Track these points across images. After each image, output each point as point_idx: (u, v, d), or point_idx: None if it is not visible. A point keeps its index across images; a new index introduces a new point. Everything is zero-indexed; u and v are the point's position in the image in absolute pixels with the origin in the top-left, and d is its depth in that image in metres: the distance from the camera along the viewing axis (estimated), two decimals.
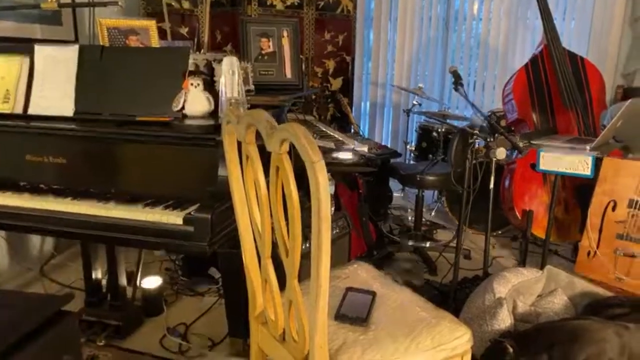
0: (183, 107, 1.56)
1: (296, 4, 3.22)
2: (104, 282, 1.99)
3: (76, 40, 2.63)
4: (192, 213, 1.29)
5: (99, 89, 1.62)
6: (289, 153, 0.94)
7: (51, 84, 1.67)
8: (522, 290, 1.87)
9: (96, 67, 1.63)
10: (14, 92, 1.68)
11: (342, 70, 3.56)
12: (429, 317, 1.20)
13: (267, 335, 1.21)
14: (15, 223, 1.48)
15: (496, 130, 1.76)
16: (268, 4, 3.12)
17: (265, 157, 0.99)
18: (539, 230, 2.40)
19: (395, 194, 3.54)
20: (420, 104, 3.61)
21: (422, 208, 2.64)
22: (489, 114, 3.16)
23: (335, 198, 2.34)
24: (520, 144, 1.86)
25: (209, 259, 2.36)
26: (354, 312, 1.16)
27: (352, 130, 3.51)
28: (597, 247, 2.10)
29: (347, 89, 3.62)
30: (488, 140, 1.72)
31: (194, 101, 1.56)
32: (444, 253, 2.58)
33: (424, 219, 2.87)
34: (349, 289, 1.28)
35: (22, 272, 2.35)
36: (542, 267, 2.00)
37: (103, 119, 1.58)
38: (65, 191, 1.49)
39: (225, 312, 1.69)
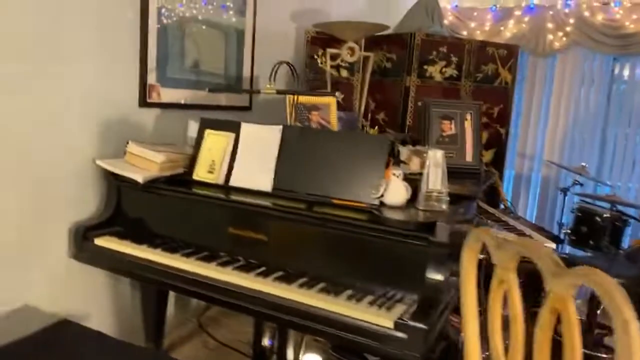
0: (382, 195, 1.54)
1: (455, 75, 3.18)
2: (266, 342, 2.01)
3: (250, 107, 2.83)
4: (404, 319, 1.22)
5: (297, 168, 1.67)
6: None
7: (253, 160, 1.76)
8: None
9: (296, 146, 1.70)
10: (219, 164, 1.81)
11: (495, 142, 3.40)
12: None
13: None
14: (213, 295, 1.53)
15: None
16: (427, 75, 3.13)
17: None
18: None
19: None
20: (582, 184, 3.29)
21: (596, 316, 2.32)
22: None
23: None
24: None
25: None
26: None
27: (502, 206, 3.29)
28: None
29: (499, 161, 3.44)
30: None
31: (394, 191, 1.54)
32: None
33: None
34: None
35: (183, 321, 2.47)
36: None
37: (300, 198, 1.62)
38: (263, 269, 1.52)
39: None
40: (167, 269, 1.60)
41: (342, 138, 1.67)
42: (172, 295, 2.41)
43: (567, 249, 3.34)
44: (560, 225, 3.37)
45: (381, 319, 1.25)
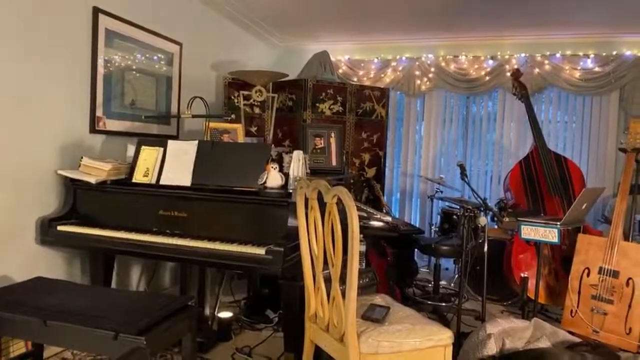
0: (265, 182, 2.33)
1: (340, 111, 4.12)
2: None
3: (177, 135, 3.56)
4: (271, 247, 1.99)
5: (209, 168, 2.43)
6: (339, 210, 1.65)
7: (176, 165, 2.50)
8: (512, 334, 2.37)
9: (208, 154, 2.46)
10: (152, 170, 2.52)
11: (376, 162, 4.35)
12: (423, 322, 1.79)
13: (316, 329, 1.82)
14: (151, 253, 2.22)
15: (485, 206, 2.42)
16: (319, 111, 4.04)
17: (323, 207, 1.71)
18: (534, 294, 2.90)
19: (422, 269, 4.10)
20: (442, 192, 4.29)
21: (439, 273, 3.21)
22: (499, 200, 3.79)
23: (366, 260, 2.97)
24: (507, 219, 2.49)
25: (266, 302, 3.00)
26: (374, 315, 1.78)
27: (384, 210, 4.19)
28: (577, 306, 2.60)
29: (379, 177, 4.38)
30: (476, 212, 2.38)
31: (272, 178, 2.34)
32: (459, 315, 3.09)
33: (447, 289, 3.40)
34: (372, 304, 1.89)
35: None
36: (530, 319, 2.51)
37: (211, 188, 2.36)
38: (185, 234, 2.24)
39: (283, 331, 2.30)
40: (115, 240, 2.26)
41: (238, 147, 2.47)
42: None
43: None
44: (430, 224, 4.33)
45: (258, 250, 2.02)
